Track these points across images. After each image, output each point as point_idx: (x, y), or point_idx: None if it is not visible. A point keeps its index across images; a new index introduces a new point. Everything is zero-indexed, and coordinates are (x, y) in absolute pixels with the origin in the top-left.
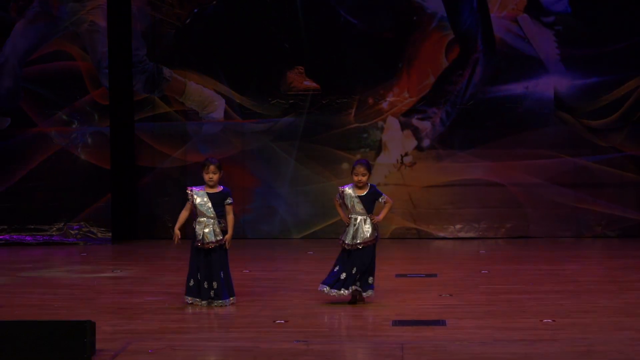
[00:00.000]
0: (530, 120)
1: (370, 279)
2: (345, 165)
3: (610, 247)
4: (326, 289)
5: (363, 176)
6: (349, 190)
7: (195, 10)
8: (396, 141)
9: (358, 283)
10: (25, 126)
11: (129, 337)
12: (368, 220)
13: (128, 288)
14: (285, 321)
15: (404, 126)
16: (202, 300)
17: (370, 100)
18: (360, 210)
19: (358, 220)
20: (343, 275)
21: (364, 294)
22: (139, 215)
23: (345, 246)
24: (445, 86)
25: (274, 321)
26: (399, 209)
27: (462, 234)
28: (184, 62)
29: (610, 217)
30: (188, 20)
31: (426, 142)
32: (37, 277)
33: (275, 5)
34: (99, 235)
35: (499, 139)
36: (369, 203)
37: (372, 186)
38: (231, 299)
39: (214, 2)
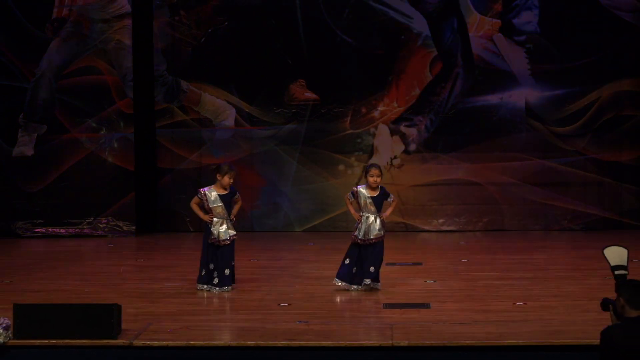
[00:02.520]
0: (504, 127)
1: (372, 269)
2: (341, 167)
3: (574, 239)
4: (339, 282)
5: (378, 177)
6: (363, 190)
7: (210, 31)
8: (386, 145)
9: (368, 280)
10: (60, 132)
11: (150, 318)
12: (378, 219)
13: (150, 275)
14: (288, 304)
15: (393, 132)
16: (214, 287)
17: (364, 110)
18: (372, 209)
19: (370, 219)
20: (354, 270)
21: (377, 285)
22: (159, 210)
23: (359, 241)
24: (429, 97)
25: (279, 304)
26: None
27: (444, 228)
28: (200, 76)
29: (575, 212)
30: (203, 39)
31: (413, 147)
32: (69, 266)
33: (279, 26)
34: (124, 228)
35: (477, 143)
36: (380, 203)
37: (382, 188)
38: (232, 285)
39: (226, 24)
